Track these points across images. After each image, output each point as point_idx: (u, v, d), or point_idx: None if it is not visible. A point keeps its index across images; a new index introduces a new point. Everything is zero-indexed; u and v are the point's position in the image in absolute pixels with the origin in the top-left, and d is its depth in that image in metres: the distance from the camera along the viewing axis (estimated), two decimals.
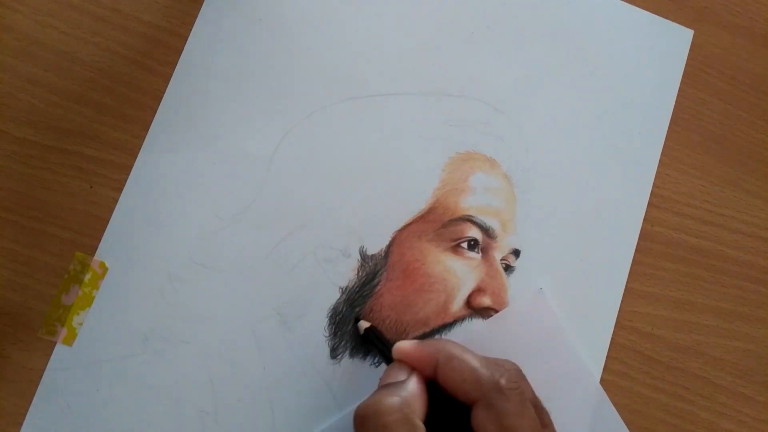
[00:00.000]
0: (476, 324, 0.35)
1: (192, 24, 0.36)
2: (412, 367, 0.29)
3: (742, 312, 0.36)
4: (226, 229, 0.34)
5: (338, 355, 0.34)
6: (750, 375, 0.36)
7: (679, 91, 0.38)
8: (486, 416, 0.26)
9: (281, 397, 0.33)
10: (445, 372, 0.28)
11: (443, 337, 0.34)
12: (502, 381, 0.27)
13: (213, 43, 0.36)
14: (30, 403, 0.32)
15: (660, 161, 0.37)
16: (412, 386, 0.28)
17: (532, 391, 0.29)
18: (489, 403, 0.26)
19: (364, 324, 0.33)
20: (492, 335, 0.29)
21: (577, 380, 0.34)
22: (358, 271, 0.35)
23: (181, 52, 0.36)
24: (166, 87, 0.35)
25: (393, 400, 0.27)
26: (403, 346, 0.29)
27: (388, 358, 0.31)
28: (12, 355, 0.33)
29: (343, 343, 0.34)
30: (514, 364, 0.29)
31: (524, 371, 0.29)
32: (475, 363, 0.28)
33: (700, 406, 0.35)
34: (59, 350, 0.33)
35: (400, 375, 0.28)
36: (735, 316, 0.36)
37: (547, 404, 0.29)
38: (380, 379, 0.30)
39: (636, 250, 0.36)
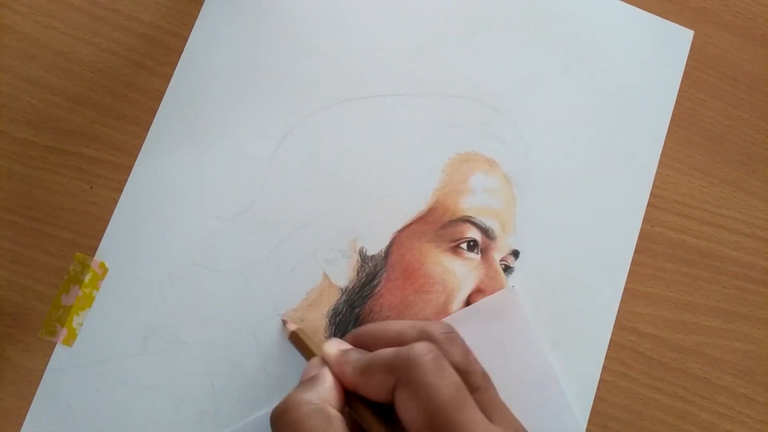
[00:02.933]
0: (446, 317, 0.34)
1: (192, 25, 0.36)
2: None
3: (743, 312, 0.36)
4: (227, 229, 0.34)
5: None
6: (750, 375, 0.36)
7: (679, 91, 0.38)
8: (404, 397, 0.24)
9: (281, 397, 0.33)
10: (363, 385, 0.26)
11: None
12: (413, 352, 0.25)
13: (213, 44, 0.36)
14: (30, 404, 0.32)
15: (660, 161, 0.37)
16: (326, 378, 0.27)
17: (463, 351, 0.27)
18: (405, 381, 0.24)
19: (291, 326, 0.33)
20: (459, 328, 0.29)
21: (540, 380, 0.34)
22: (358, 272, 0.35)
23: (181, 53, 0.36)
24: (167, 87, 0.35)
25: (305, 394, 0.26)
26: (327, 351, 0.28)
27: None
28: (12, 355, 0.33)
29: None
30: (442, 323, 0.28)
31: (488, 366, 0.27)
32: (385, 352, 0.26)
33: (701, 406, 0.35)
34: (59, 351, 0.33)
35: (312, 371, 0.28)
36: (735, 317, 0.36)
37: (509, 401, 0.27)
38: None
39: (636, 251, 0.36)
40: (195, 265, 0.34)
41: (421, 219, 0.35)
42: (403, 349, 0.25)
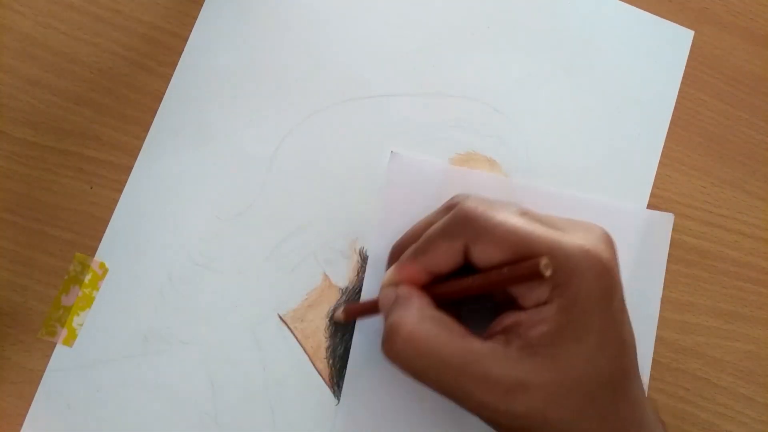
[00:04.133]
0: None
1: (192, 25, 0.36)
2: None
3: (743, 313, 0.36)
4: (227, 229, 0.34)
5: (338, 356, 0.34)
6: (750, 376, 0.36)
7: (679, 91, 0.38)
8: (479, 249, 0.26)
9: (281, 397, 0.33)
10: (429, 266, 0.28)
11: None
12: (464, 210, 0.27)
13: (213, 44, 0.36)
14: (30, 404, 0.32)
15: (660, 162, 0.37)
16: (406, 292, 0.28)
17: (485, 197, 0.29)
18: (473, 238, 0.26)
19: (338, 314, 0.33)
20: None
21: None
22: (359, 272, 0.35)
23: (181, 53, 0.36)
24: (167, 88, 0.35)
25: (401, 312, 0.27)
26: (385, 277, 0.29)
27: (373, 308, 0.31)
28: (12, 356, 0.33)
29: (343, 344, 0.34)
30: (458, 195, 0.30)
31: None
32: (434, 229, 0.28)
33: (701, 407, 0.35)
34: (59, 351, 0.33)
35: (390, 295, 0.28)
36: (735, 317, 0.36)
37: None
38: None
39: None
40: (195, 265, 0.34)
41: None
42: (452, 212, 0.27)
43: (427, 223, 0.30)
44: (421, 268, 0.28)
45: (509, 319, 0.26)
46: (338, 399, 0.33)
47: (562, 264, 0.25)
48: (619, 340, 0.26)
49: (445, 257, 0.27)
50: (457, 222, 0.27)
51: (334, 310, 0.34)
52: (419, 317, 0.26)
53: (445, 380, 0.26)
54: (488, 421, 0.26)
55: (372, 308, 0.30)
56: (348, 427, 0.33)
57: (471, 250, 0.27)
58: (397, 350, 0.26)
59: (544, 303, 0.25)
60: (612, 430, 0.25)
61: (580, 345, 0.25)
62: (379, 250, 0.34)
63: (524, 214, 0.27)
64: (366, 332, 0.34)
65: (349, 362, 0.33)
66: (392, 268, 0.29)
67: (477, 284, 0.27)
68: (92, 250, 0.34)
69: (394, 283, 0.29)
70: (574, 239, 0.25)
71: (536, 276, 0.24)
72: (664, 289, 0.36)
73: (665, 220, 0.36)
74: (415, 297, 0.27)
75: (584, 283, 0.25)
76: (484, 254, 0.26)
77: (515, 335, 0.26)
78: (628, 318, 0.27)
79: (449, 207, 0.29)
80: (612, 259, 0.26)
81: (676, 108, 0.38)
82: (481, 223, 0.26)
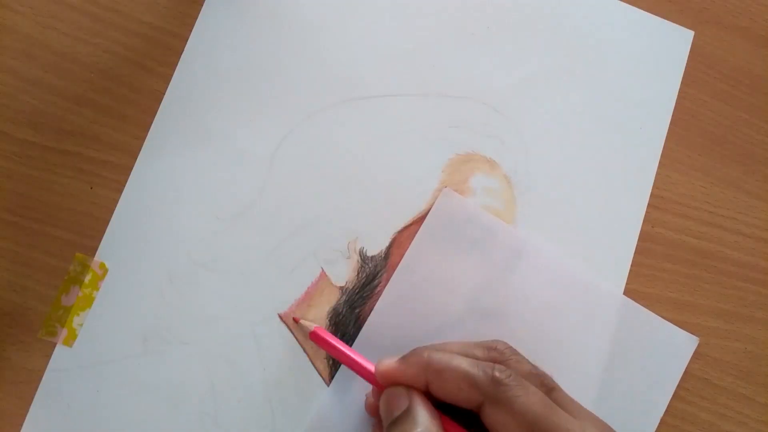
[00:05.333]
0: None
1: (192, 25, 0.36)
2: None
3: (743, 313, 0.36)
4: (227, 230, 0.34)
5: None
6: (751, 376, 0.36)
7: (679, 92, 0.38)
8: (497, 412, 0.27)
9: (281, 397, 0.33)
10: (438, 387, 0.28)
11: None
12: (496, 374, 0.27)
13: (213, 44, 0.36)
14: (30, 404, 0.32)
15: (660, 162, 0.37)
16: (422, 411, 0.28)
17: (527, 362, 0.29)
18: (495, 400, 0.27)
19: (308, 325, 0.33)
20: (422, 254, 0.31)
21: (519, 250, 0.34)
22: (358, 272, 0.35)
23: (181, 53, 0.36)
24: (167, 88, 0.35)
25: (414, 423, 0.27)
26: (386, 368, 0.29)
27: (349, 365, 0.31)
28: (12, 356, 0.33)
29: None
30: (503, 343, 0.30)
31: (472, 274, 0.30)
32: (465, 366, 0.28)
33: (701, 407, 0.35)
34: (59, 351, 0.33)
35: (401, 401, 0.29)
36: (735, 317, 0.36)
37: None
38: (367, 397, 0.31)
39: (636, 252, 0.36)
40: (195, 265, 0.34)
41: (422, 219, 0.35)
42: (485, 369, 0.28)
43: (462, 348, 0.30)
44: (425, 380, 0.28)
45: None
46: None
47: None
48: None
49: (454, 394, 0.28)
50: (485, 379, 0.27)
51: (334, 310, 0.34)
52: None
53: None
54: None
55: (351, 365, 0.31)
56: (333, 408, 0.33)
57: (487, 411, 0.27)
58: None
59: None
60: None
61: None
62: (400, 282, 0.34)
63: (552, 390, 0.28)
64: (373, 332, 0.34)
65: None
66: (398, 361, 0.29)
67: None
68: (92, 250, 0.34)
69: (394, 380, 0.29)
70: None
71: None
72: (664, 289, 0.36)
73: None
74: (429, 419, 0.28)
75: None
76: (498, 421, 0.27)
77: None
78: None
79: (489, 348, 0.29)
80: None
81: (676, 108, 0.38)
82: (505, 391, 0.27)
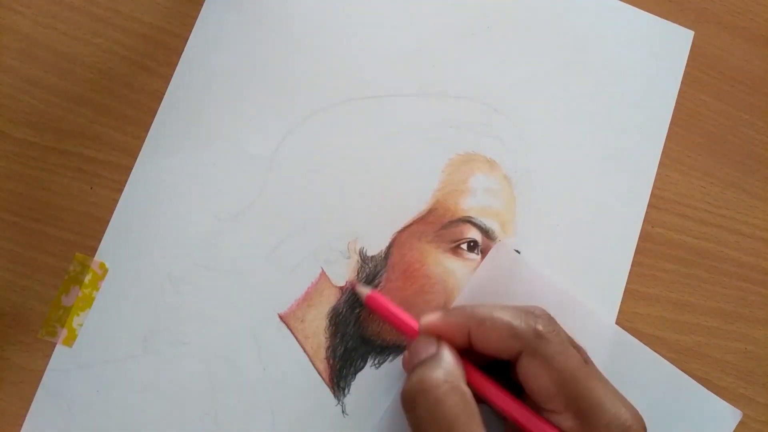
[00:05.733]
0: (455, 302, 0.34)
1: (192, 25, 0.36)
2: (442, 339, 0.29)
3: (743, 313, 0.36)
4: (227, 230, 0.34)
5: (338, 356, 0.34)
6: (751, 376, 0.36)
7: (679, 92, 0.38)
8: (533, 364, 0.27)
9: (281, 398, 0.33)
10: (480, 336, 0.28)
11: None
12: (539, 327, 0.28)
13: (213, 44, 0.36)
14: (30, 405, 0.32)
15: (660, 162, 0.37)
16: (448, 356, 0.28)
17: (566, 332, 0.29)
18: (533, 351, 0.27)
19: (364, 290, 0.33)
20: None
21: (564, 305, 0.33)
22: (359, 273, 0.35)
23: (181, 54, 0.36)
24: (167, 88, 0.35)
25: (437, 373, 0.27)
26: (430, 320, 0.30)
27: (395, 325, 0.31)
28: (12, 356, 0.33)
29: (343, 344, 0.34)
30: (542, 309, 0.29)
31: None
32: (507, 318, 0.28)
33: None
34: (59, 351, 0.33)
35: (429, 348, 0.29)
36: (735, 318, 0.36)
37: None
38: (405, 355, 0.31)
39: (636, 252, 0.36)
40: (195, 265, 0.34)
41: (422, 219, 0.35)
42: (529, 320, 0.28)
43: (503, 307, 0.30)
44: (467, 331, 0.29)
45: None
46: (338, 399, 0.33)
47: (600, 427, 0.26)
48: None
49: (496, 343, 0.28)
50: (529, 330, 0.28)
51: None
52: (450, 387, 0.27)
53: None
54: None
55: (401, 325, 0.31)
56: None
57: (524, 362, 0.27)
58: (417, 406, 0.27)
59: None
60: None
61: None
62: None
63: (586, 361, 0.28)
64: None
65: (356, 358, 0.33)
66: (441, 313, 0.30)
67: (517, 414, 0.28)
68: (92, 250, 0.34)
69: (436, 330, 0.29)
70: (620, 410, 0.26)
71: None
72: (664, 289, 0.36)
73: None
74: (454, 364, 0.28)
75: None
76: (533, 372, 0.27)
77: None
78: None
79: (529, 311, 0.29)
80: None
81: (676, 108, 0.38)
82: (546, 345, 0.27)
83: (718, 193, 0.38)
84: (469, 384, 0.28)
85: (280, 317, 0.34)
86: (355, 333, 0.34)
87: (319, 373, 0.33)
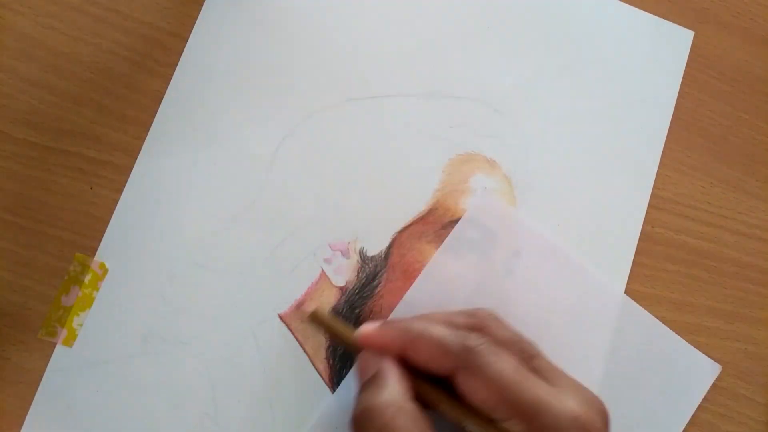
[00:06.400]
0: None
1: (192, 25, 0.36)
2: (380, 352, 0.29)
3: (743, 313, 0.36)
4: (227, 230, 0.34)
5: (338, 356, 0.34)
6: (751, 376, 0.36)
7: (679, 92, 0.38)
8: (469, 379, 0.27)
9: (281, 398, 0.33)
10: (413, 354, 0.28)
11: None
12: (469, 342, 0.27)
13: (213, 45, 0.36)
14: (30, 405, 0.32)
15: (660, 162, 0.37)
16: (392, 374, 0.28)
17: (508, 328, 0.29)
18: (465, 367, 0.27)
19: (308, 308, 0.33)
20: (453, 254, 0.30)
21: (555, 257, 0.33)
22: (358, 273, 0.35)
23: (181, 54, 0.36)
24: (167, 88, 0.35)
25: (381, 396, 0.27)
26: (366, 331, 0.29)
27: (339, 339, 0.31)
28: (12, 356, 0.33)
29: (343, 345, 0.34)
30: (484, 309, 0.29)
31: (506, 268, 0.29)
32: (438, 335, 0.28)
33: (701, 407, 0.35)
34: (59, 351, 0.33)
35: (373, 365, 0.29)
36: (736, 318, 0.36)
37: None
38: (355, 373, 0.31)
39: (636, 252, 0.36)
40: (195, 265, 0.34)
41: (422, 219, 0.35)
42: (458, 337, 0.28)
43: (445, 316, 0.30)
44: (402, 347, 0.28)
45: None
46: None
47: (548, 426, 0.25)
48: None
49: (428, 361, 0.28)
50: (457, 346, 0.27)
51: (333, 311, 0.34)
52: (397, 408, 0.26)
53: None
54: None
55: (342, 338, 0.31)
56: (338, 416, 0.33)
57: (458, 377, 0.27)
58: (369, 430, 0.26)
59: None
60: None
61: None
62: (433, 274, 0.34)
63: (532, 357, 0.28)
64: None
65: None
66: (378, 326, 0.30)
67: (460, 416, 0.27)
68: (92, 250, 0.34)
69: (373, 345, 0.29)
70: (566, 403, 0.26)
71: None
72: (664, 289, 0.36)
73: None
74: (398, 382, 0.28)
75: None
76: (468, 387, 0.27)
77: None
78: None
79: (470, 315, 0.29)
80: None
81: (676, 108, 0.38)
82: (476, 358, 0.27)
83: (718, 193, 0.38)
84: (419, 395, 0.28)
85: (280, 317, 0.34)
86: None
87: (319, 373, 0.33)
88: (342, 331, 0.31)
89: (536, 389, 0.26)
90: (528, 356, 0.28)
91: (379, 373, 0.28)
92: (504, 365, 0.26)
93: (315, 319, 0.32)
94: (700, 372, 0.35)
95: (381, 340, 0.29)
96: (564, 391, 0.27)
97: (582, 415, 0.25)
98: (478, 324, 0.29)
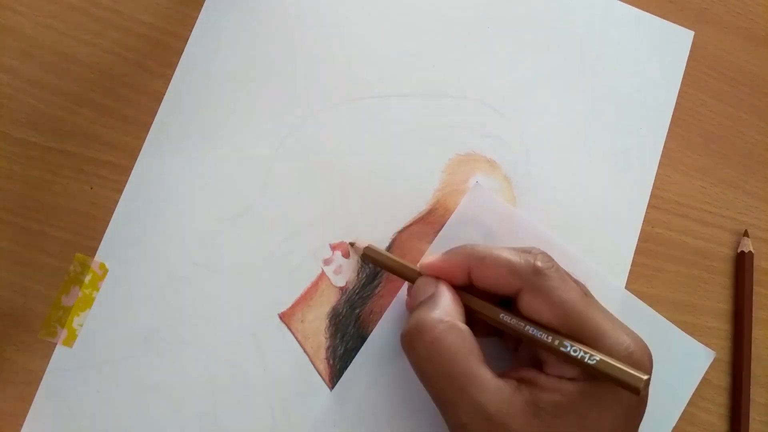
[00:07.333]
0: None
1: (192, 26, 0.36)
2: (442, 278, 0.30)
3: None
4: (227, 230, 0.34)
5: (338, 356, 0.34)
6: (751, 376, 0.36)
7: (679, 92, 0.38)
8: (534, 299, 0.27)
9: (281, 398, 0.33)
10: (480, 273, 0.29)
11: None
12: (538, 263, 0.28)
13: (213, 45, 0.36)
14: (30, 405, 0.32)
15: (660, 162, 0.37)
16: (446, 294, 0.29)
17: (563, 269, 0.29)
18: (534, 287, 0.27)
19: (361, 245, 0.33)
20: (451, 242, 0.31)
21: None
22: (359, 273, 0.35)
23: (181, 53, 0.36)
24: (167, 88, 0.35)
25: (434, 313, 0.28)
26: (430, 260, 0.30)
27: (397, 272, 0.32)
28: (12, 356, 0.33)
29: (343, 344, 0.34)
30: (540, 249, 0.30)
31: None
32: (507, 255, 0.28)
33: (701, 407, 0.35)
34: (59, 352, 0.33)
35: (428, 288, 0.29)
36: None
37: None
38: (407, 299, 0.32)
39: (636, 252, 0.36)
40: (195, 265, 0.34)
41: (422, 220, 0.35)
42: (527, 257, 0.28)
43: (505, 247, 0.30)
44: (467, 268, 0.29)
45: (528, 373, 0.27)
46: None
47: (605, 352, 0.26)
48: None
49: (495, 280, 0.28)
50: (527, 267, 0.28)
51: (334, 311, 0.34)
52: (449, 325, 0.27)
53: (445, 392, 0.27)
54: None
55: (400, 270, 0.31)
56: (335, 413, 0.33)
57: (524, 297, 0.28)
58: (415, 347, 0.27)
59: (569, 379, 0.26)
60: None
61: None
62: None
63: (586, 293, 0.29)
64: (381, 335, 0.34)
65: (356, 358, 0.33)
66: (443, 254, 0.30)
67: (520, 322, 0.28)
68: (92, 251, 0.34)
69: (436, 271, 0.30)
70: (623, 337, 0.26)
71: (631, 390, 0.25)
72: (664, 289, 0.36)
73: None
74: (452, 303, 0.28)
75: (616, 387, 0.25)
76: (535, 308, 0.27)
77: (527, 389, 0.27)
78: None
79: (527, 250, 0.29)
80: (649, 377, 0.26)
81: (676, 108, 0.38)
82: (545, 281, 0.27)
83: (718, 193, 0.38)
84: (474, 315, 0.29)
85: (280, 317, 0.34)
86: (355, 333, 0.34)
87: (319, 373, 0.33)
88: (399, 264, 0.32)
89: (598, 319, 0.27)
90: (584, 290, 0.29)
91: (435, 294, 0.29)
92: (572, 291, 0.27)
93: (369, 255, 0.33)
94: (694, 359, 0.35)
95: (447, 266, 0.30)
96: (620, 327, 0.27)
97: (636, 351, 0.26)
98: (541, 254, 0.29)
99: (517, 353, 0.31)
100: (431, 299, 0.29)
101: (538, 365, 0.28)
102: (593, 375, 0.26)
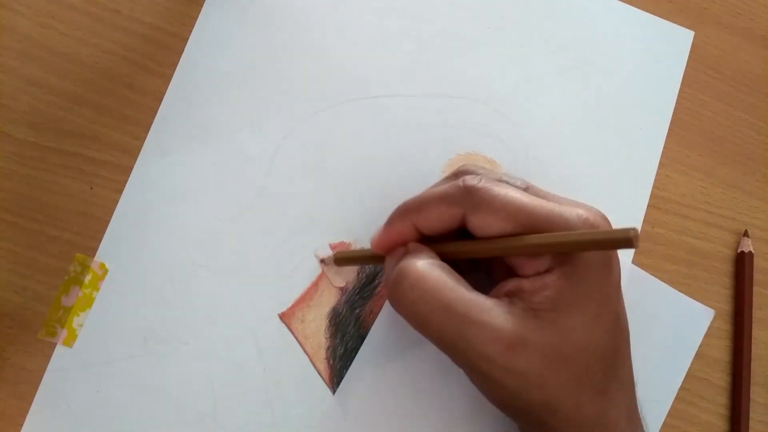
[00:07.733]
0: None
1: (192, 25, 0.36)
2: (398, 244, 0.29)
3: None
4: (227, 230, 0.34)
5: (338, 356, 0.34)
6: (751, 376, 0.36)
7: (679, 92, 0.38)
8: (481, 216, 0.27)
9: (281, 398, 0.33)
10: (424, 222, 0.28)
11: None
12: (468, 183, 0.27)
13: (213, 45, 0.36)
14: (30, 405, 0.32)
15: (660, 162, 0.37)
16: (415, 246, 0.29)
17: (496, 172, 0.29)
18: (474, 207, 0.27)
19: (321, 254, 0.34)
20: None
21: None
22: (359, 273, 0.35)
23: (181, 53, 0.36)
24: (167, 88, 0.35)
25: (411, 260, 0.27)
26: (377, 236, 0.30)
27: (371, 262, 0.33)
28: (12, 356, 0.33)
29: (343, 344, 0.34)
30: (465, 167, 0.29)
31: None
32: (437, 192, 0.28)
33: (701, 407, 0.35)
34: (59, 352, 0.33)
35: (399, 252, 0.29)
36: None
37: None
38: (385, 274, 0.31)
39: (636, 252, 0.36)
40: (195, 265, 0.34)
41: None
42: (455, 183, 0.28)
43: (433, 186, 0.30)
44: (411, 225, 0.29)
45: (511, 285, 0.27)
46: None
47: (562, 230, 0.26)
48: (614, 313, 0.27)
49: (438, 220, 0.28)
50: (458, 191, 0.27)
51: (334, 311, 0.34)
52: (428, 263, 0.27)
53: (448, 326, 0.26)
54: (484, 377, 0.26)
55: (373, 260, 0.31)
56: (336, 413, 0.33)
57: (470, 219, 0.27)
58: (403, 293, 0.27)
59: (545, 271, 0.26)
60: (601, 409, 0.26)
61: (580, 312, 0.26)
62: None
63: (527, 188, 0.28)
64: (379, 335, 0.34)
65: (356, 358, 0.33)
66: (384, 225, 0.30)
67: (498, 247, 0.27)
68: (92, 251, 0.34)
69: (388, 243, 0.29)
70: (574, 210, 0.26)
71: (626, 244, 0.24)
72: None
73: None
74: (424, 249, 0.28)
75: (585, 253, 0.26)
76: (483, 223, 0.27)
77: (518, 299, 0.26)
78: (622, 296, 0.28)
79: (456, 174, 0.29)
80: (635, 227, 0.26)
81: (676, 108, 0.38)
82: (481, 194, 0.27)
83: (718, 193, 0.38)
84: (442, 259, 0.28)
85: (280, 317, 0.34)
86: (355, 333, 0.34)
87: (319, 373, 0.33)
88: (369, 254, 0.31)
89: (545, 205, 0.26)
90: (524, 186, 0.28)
91: (408, 249, 0.29)
92: (510, 192, 0.27)
93: (341, 259, 0.33)
94: (694, 319, 0.35)
95: (394, 233, 0.29)
96: (568, 204, 0.27)
97: (590, 216, 0.26)
98: (467, 172, 0.29)
99: (493, 279, 0.30)
100: (404, 254, 0.28)
101: (515, 275, 0.28)
102: (563, 257, 0.26)
